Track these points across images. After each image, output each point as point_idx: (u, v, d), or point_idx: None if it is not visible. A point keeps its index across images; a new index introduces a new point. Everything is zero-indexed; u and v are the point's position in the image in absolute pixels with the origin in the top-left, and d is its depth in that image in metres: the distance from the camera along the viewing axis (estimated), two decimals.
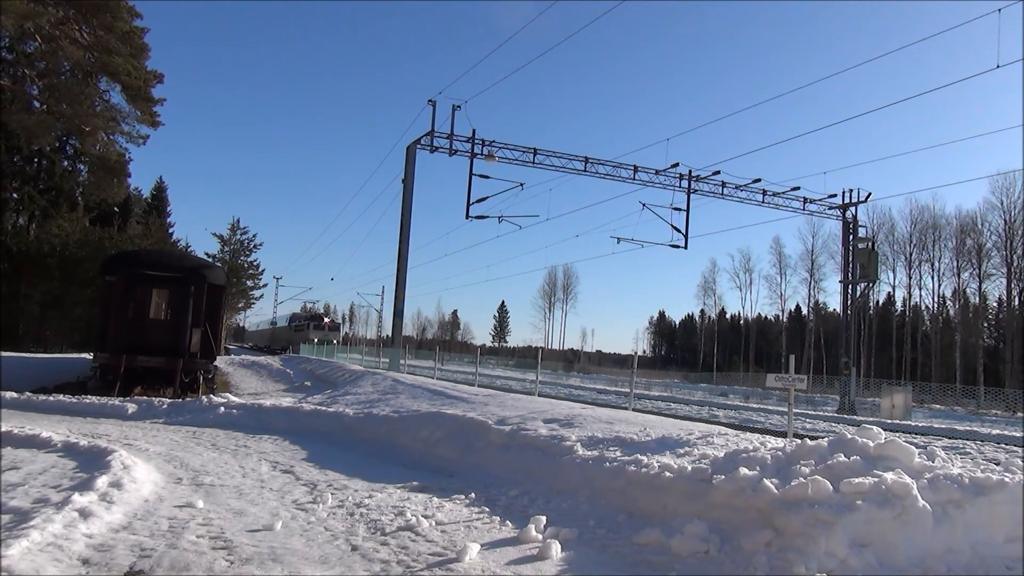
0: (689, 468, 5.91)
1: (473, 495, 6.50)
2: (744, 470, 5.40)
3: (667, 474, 5.90)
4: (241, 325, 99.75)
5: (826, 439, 5.79)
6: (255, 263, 57.86)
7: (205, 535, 4.89)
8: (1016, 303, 58.32)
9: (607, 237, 32.83)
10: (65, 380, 18.12)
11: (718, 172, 29.11)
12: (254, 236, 56.72)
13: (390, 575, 4.27)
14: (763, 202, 30.86)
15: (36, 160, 37.70)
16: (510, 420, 9.38)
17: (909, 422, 21.26)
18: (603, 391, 31.85)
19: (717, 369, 72.98)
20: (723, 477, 5.46)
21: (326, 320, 69.31)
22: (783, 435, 8.67)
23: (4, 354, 20.46)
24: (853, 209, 31.51)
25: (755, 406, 27.59)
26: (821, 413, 24.66)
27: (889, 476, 4.77)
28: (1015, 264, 56.73)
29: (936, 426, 19.40)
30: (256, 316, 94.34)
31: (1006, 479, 4.90)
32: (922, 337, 63.28)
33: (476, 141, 26.09)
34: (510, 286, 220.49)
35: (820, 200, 31.43)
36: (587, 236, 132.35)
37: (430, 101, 25.83)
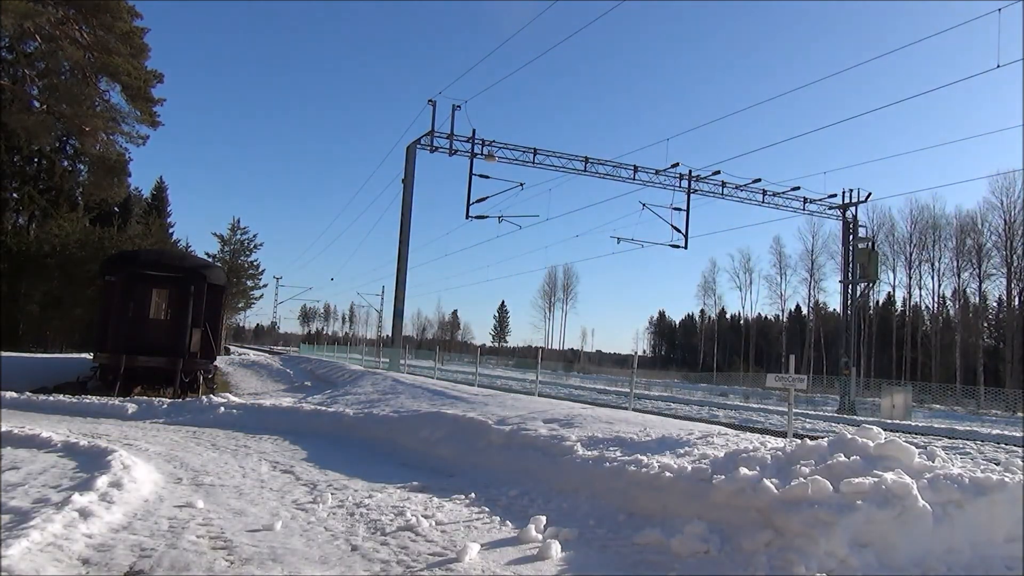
0: (689, 468, 5.90)
1: (473, 495, 6.50)
2: (744, 470, 5.40)
3: (667, 474, 5.90)
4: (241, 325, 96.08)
5: (826, 439, 5.79)
6: (255, 263, 57.82)
7: (205, 535, 4.89)
8: (1016, 303, 58.23)
9: (607, 237, 32.91)
10: (65, 380, 18.09)
11: (718, 172, 29.13)
12: (254, 236, 56.68)
13: (390, 575, 4.27)
14: (763, 202, 30.85)
15: (36, 160, 37.69)
16: (510, 420, 9.38)
17: (909, 422, 21.27)
18: (603, 391, 31.85)
19: (717, 369, 72.84)
20: (723, 477, 5.45)
21: None
22: (783, 435, 8.66)
23: (4, 354, 20.45)
24: (853, 209, 31.51)
25: (755, 406, 27.59)
26: (821, 413, 24.65)
27: (889, 476, 4.77)
28: (1015, 264, 56.59)
29: (936, 426, 19.41)
30: None
31: (1006, 479, 4.90)
32: (922, 337, 63.21)
33: (476, 141, 26.09)
34: (510, 286, 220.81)
35: (820, 200, 31.42)
36: (587, 236, 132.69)
37: (430, 101, 25.85)
